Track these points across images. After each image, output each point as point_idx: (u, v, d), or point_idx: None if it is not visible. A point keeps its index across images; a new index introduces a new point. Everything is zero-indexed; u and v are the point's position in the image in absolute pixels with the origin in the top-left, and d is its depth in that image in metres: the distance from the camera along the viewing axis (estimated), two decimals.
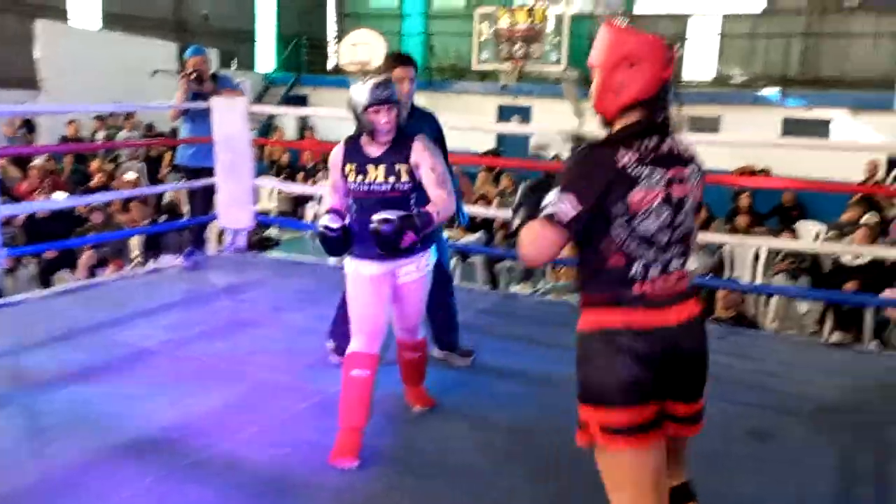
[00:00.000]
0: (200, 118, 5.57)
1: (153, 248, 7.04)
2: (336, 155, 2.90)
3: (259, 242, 7.46)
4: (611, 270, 1.78)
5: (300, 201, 10.03)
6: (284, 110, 14.41)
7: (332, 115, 14.17)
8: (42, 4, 14.08)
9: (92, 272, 6.63)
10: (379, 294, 2.82)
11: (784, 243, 6.62)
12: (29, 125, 12.05)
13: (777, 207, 10.14)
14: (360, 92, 2.77)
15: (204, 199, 5.74)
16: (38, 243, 6.16)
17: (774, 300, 6.32)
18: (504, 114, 15.12)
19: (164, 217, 7.67)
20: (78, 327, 4.10)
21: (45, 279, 6.73)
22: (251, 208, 5.79)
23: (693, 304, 1.86)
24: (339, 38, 17.36)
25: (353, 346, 2.82)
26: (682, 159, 1.82)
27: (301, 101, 17.02)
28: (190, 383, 3.41)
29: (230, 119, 5.55)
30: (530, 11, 13.36)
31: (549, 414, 3.13)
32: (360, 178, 2.79)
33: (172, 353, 3.78)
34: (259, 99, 16.47)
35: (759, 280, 6.89)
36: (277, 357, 3.74)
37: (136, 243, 7.02)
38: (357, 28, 14.98)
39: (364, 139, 2.82)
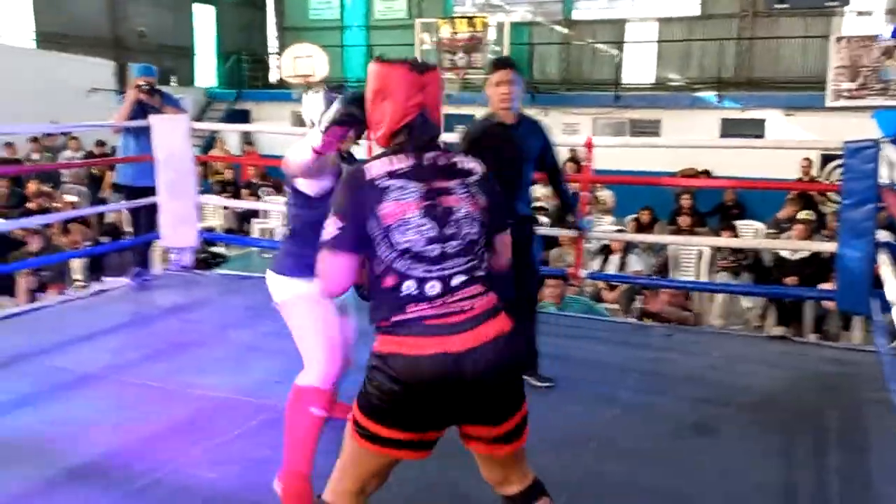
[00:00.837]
0: (143, 136, 5.50)
1: (96, 270, 6.90)
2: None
3: (205, 260, 7.36)
4: (386, 292, 1.78)
5: (246, 217, 9.95)
6: (227, 127, 14.28)
7: (274, 131, 14.15)
8: None
9: (32, 297, 6.46)
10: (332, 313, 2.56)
11: (726, 242, 6.80)
12: None
13: (718, 207, 10.41)
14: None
15: (148, 218, 5.66)
16: None
17: (719, 297, 6.49)
18: (448, 123, 15.17)
19: (106, 238, 7.52)
20: (18, 354, 3.99)
21: None
22: (196, 226, 5.72)
23: (498, 323, 1.82)
24: (280, 51, 17.24)
25: (314, 377, 2.51)
26: (450, 172, 1.84)
27: (244, 115, 16.83)
28: (134, 407, 3.35)
29: (172, 137, 5.48)
30: (471, 21, 13.49)
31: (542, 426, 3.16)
32: None
33: (116, 376, 3.71)
34: (201, 114, 16.24)
35: (703, 278, 7.07)
36: (224, 376, 3.70)
37: (77, 266, 6.86)
38: (298, 41, 14.93)
39: None
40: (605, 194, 9.93)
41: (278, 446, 2.78)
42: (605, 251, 7.20)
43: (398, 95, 1.82)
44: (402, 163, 1.81)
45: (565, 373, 3.74)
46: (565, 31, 17.07)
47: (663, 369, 3.98)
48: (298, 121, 16.09)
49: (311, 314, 2.51)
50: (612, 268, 6.97)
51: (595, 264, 6.98)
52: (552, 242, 7.48)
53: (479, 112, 14.31)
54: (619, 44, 16.24)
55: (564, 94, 15.80)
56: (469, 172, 1.87)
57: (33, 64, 13.40)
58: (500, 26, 13.60)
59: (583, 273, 5.05)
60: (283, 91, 15.53)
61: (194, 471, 2.78)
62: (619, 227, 8.26)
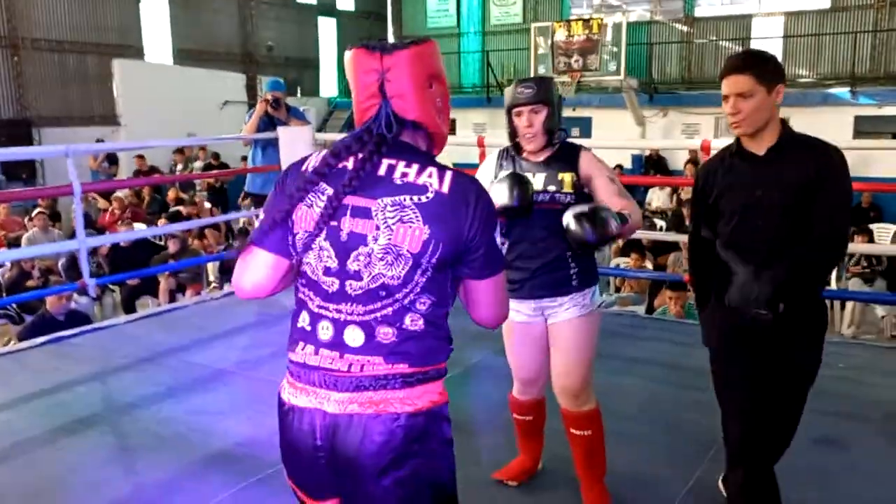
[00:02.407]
0: (270, 147, 5.84)
1: (227, 273, 7.34)
2: (485, 167, 2.61)
3: None
4: (293, 315, 1.48)
5: None
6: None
7: None
8: (120, 44, 14.81)
9: (172, 297, 6.95)
10: (529, 343, 2.57)
11: (866, 248, 6.43)
12: (111, 158, 12.69)
13: (853, 209, 9.85)
14: (507, 92, 2.49)
15: None
16: (121, 272, 6.50)
17: (850, 305, 6.16)
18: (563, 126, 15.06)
19: (237, 243, 7.98)
20: (160, 350, 4.33)
21: (128, 305, 7.08)
22: None
23: (377, 403, 1.38)
24: None
25: (514, 390, 2.72)
26: (386, 186, 1.37)
27: None
28: (263, 401, 3.55)
29: (297, 147, 5.77)
30: (587, 22, 13.36)
31: (611, 425, 3.16)
32: None
33: (247, 372, 3.96)
34: (324, 124, 16.92)
35: (832, 285, 6.72)
36: None
37: (212, 269, 7.32)
38: None
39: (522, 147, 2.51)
40: None
41: None
42: None
43: (355, 86, 1.45)
44: (335, 157, 1.42)
45: (683, 381, 3.68)
46: (686, 28, 16.59)
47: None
48: None
49: (504, 337, 2.63)
50: None
51: None
52: (670, 247, 7.32)
53: (595, 114, 14.09)
54: (743, 40, 15.62)
55: (684, 94, 15.36)
56: (421, 189, 1.36)
57: (172, 79, 14.37)
58: (616, 27, 13.39)
59: None
60: None
61: None
62: None
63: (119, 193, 9.65)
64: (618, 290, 6.82)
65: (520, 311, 2.50)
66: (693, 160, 11.20)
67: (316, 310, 1.42)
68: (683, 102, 14.64)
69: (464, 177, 1.40)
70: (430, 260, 1.36)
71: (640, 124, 14.11)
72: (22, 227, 8.84)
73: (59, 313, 5.53)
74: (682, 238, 6.45)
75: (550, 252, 2.45)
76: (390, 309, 1.38)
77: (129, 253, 7.39)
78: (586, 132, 14.56)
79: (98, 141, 10.96)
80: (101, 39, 14.49)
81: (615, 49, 13.24)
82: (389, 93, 1.41)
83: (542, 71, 13.75)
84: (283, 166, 6.03)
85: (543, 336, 2.55)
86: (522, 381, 2.67)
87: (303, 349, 1.43)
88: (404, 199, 1.36)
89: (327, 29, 20.01)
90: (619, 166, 12.86)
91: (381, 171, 1.39)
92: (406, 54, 1.41)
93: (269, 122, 5.88)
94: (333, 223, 1.38)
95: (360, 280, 1.37)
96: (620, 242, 7.80)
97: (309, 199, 1.40)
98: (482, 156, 5.15)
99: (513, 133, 2.49)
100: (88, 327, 4.94)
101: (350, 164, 1.40)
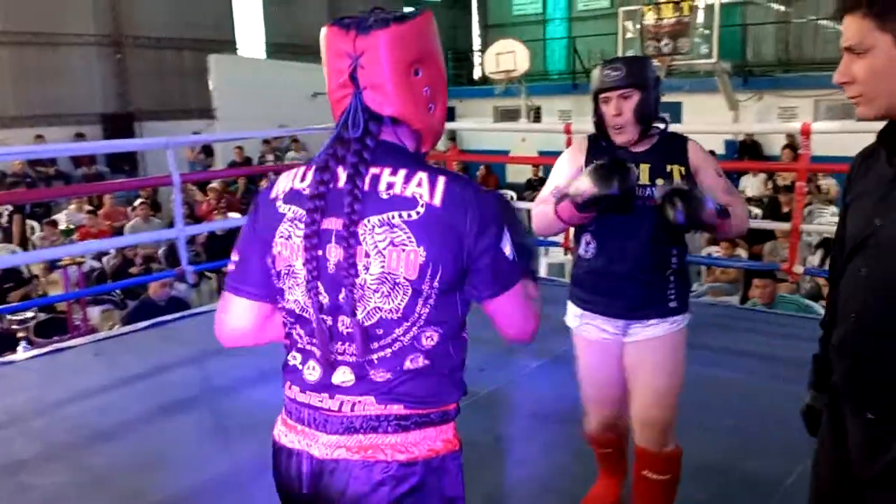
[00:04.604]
0: None
1: None
2: (573, 152, 2.22)
3: None
4: (285, 348, 1.33)
5: None
6: None
7: (477, 128, 14.49)
8: (214, 38, 15.35)
9: None
10: (607, 371, 2.20)
11: None
12: (207, 149, 13.19)
13: None
14: (593, 75, 2.15)
15: None
16: (217, 259, 6.75)
17: None
18: None
19: None
20: None
21: None
22: None
23: (372, 449, 1.21)
24: (483, 48, 17.61)
25: (587, 426, 2.37)
26: (372, 203, 1.15)
27: (449, 112, 17.37)
28: None
29: None
30: (677, 5, 12.97)
31: (705, 417, 3.09)
32: None
33: None
34: None
35: None
36: None
37: None
38: (501, 38, 15.17)
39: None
40: (828, 183, 9.18)
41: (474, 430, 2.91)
42: (827, 245, 6.67)
43: (327, 72, 1.22)
44: (307, 174, 1.22)
45: (780, 373, 3.56)
46: (783, 8, 15.89)
47: None
48: (500, 116, 16.45)
49: (579, 355, 2.28)
50: None
51: (815, 259, 6.50)
52: (766, 235, 7.06)
53: (685, 99, 13.69)
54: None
55: (781, 77, 14.72)
56: (410, 203, 1.15)
57: (264, 72, 14.80)
58: (709, 8, 12.94)
59: (798, 269, 4.74)
60: (486, 87, 15.85)
61: None
62: None
63: (214, 184, 10.02)
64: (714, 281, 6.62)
65: (601, 327, 2.16)
66: (791, 145, 10.75)
67: (307, 347, 1.25)
68: (780, 85, 14.03)
69: (459, 182, 1.18)
70: (431, 286, 1.15)
71: (734, 108, 13.61)
72: (125, 217, 9.30)
73: (161, 299, 5.79)
74: (778, 226, 6.22)
75: (649, 261, 2.08)
76: (389, 350, 1.19)
77: (225, 241, 7.66)
78: (676, 118, 14.18)
79: (195, 133, 11.42)
80: (197, 35, 15.05)
81: (707, 31, 12.80)
82: (362, 82, 1.17)
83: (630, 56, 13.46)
84: None
85: (621, 355, 2.18)
86: (604, 407, 2.27)
87: (289, 388, 1.29)
88: (392, 217, 1.14)
89: None
90: (712, 152, 12.46)
91: (366, 183, 1.16)
92: (383, 36, 1.15)
93: None
94: (318, 252, 1.17)
95: (353, 316, 1.17)
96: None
97: (284, 230, 1.20)
98: (569, 142, 5.08)
99: (599, 122, 2.13)
100: (187, 312, 5.16)
101: (342, 180, 1.17)
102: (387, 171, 1.17)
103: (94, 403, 3.57)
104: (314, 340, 1.22)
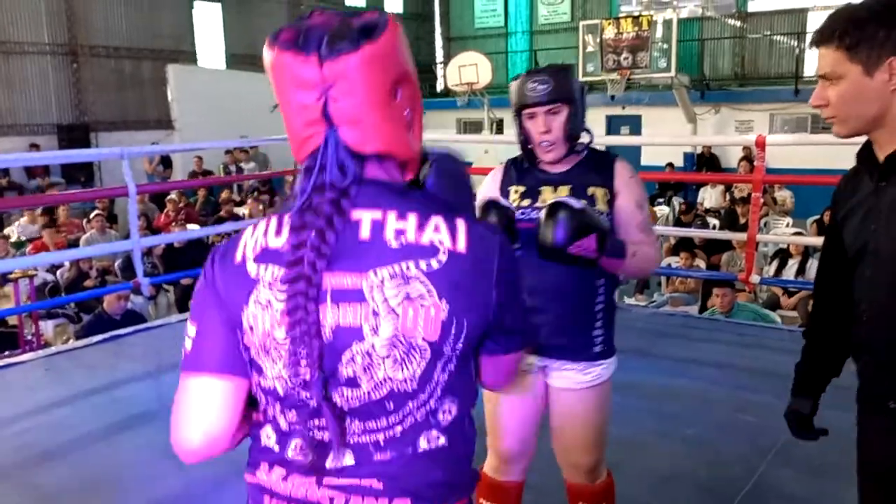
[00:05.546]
0: None
1: None
2: (493, 178, 2.04)
3: None
4: (253, 427, 1.09)
5: None
6: None
7: (440, 139, 14.53)
8: (174, 49, 15.16)
9: None
10: (520, 405, 1.99)
11: None
12: (165, 161, 12.98)
13: None
14: (512, 87, 1.94)
15: None
16: (175, 272, 6.63)
17: None
18: (613, 125, 14.95)
19: None
20: None
21: (182, 305, 7.22)
22: None
23: None
24: (446, 61, 17.70)
25: (486, 466, 2.10)
26: (376, 253, 0.97)
27: None
28: None
29: None
30: (636, 20, 13.19)
31: (666, 427, 3.10)
32: (524, 202, 1.93)
33: None
34: None
35: None
36: None
37: None
38: (464, 50, 15.26)
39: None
40: (784, 195, 9.39)
41: None
42: (783, 255, 6.80)
43: (286, 106, 1.01)
44: (282, 235, 1.00)
45: (738, 382, 3.60)
46: (738, 24, 16.26)
47: (842, 381, 3.71)
48: (463, 128, 16.51)
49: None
50: (790, 273, 6.56)
51: (771, 269, 6.61)
52: (724, 246, 7.18)
53: (645, 112, 13.95)
54: (799, 35, 15.24)
55: (737, 90, 15.05)
56: (429, 252, 0.97)
57: (224, 82, 14.64)
58: (667, 23, 13.19)
59: (755, 278, 4.81)
60: (448, 99, 15.92)
61: None
62: (797, 230, 7.78)
63: (173, 195, 9.87)
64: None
65: None
66: (748, 157, 10.97)
67: (287, 427, 1.02)
68: (736, 99, 14.35)
69: (481, 226, 1.03)
70: (454, 347, 0.98)
71: (692, 121, 13.86)
72: (80, 230, 9.10)
73: (116, 313, 5.66)
74: (736, 236, 6.34)
75: (571, 294, 1.89)
76: (399, 427, 0.99)
77: (183, 253, 7.53)
78: (636, 130, 14.38)
79: (153, 144, 11.24)
80: (155, 45, 14.87)
81: (665, 46, 13.04)
82: (337, 118, 0.96)
83: (590, 69, 13.64)
84: None
85: (542, 397, 2.00)
86: (507, 453, 2.03)
87: (268, 472, 1.05)
88: (407, 268, 0.96)
89: None
90: (671, 164, 12.66)
91: (364, 230, 0.97)
92: (359, 59, 0.94)
93: None
94: (296, 316, 0.97)
95: (356, 388, 0.97)
96: (672, 240, 7.68)
97: (262, 297, 0.99)
98: None
99: (525, 140, 1.93)
100: (143, 326, 5.05)
101: (296, 229, 0.98)
102: (391, 214, 0.98)
103: (43, 420, 3.46)
104: (304, 419, 1.00)
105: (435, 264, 0.96)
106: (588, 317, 1.91)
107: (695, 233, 7.42)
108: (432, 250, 0.97)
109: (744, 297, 5.50)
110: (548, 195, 1.89)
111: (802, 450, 2.95)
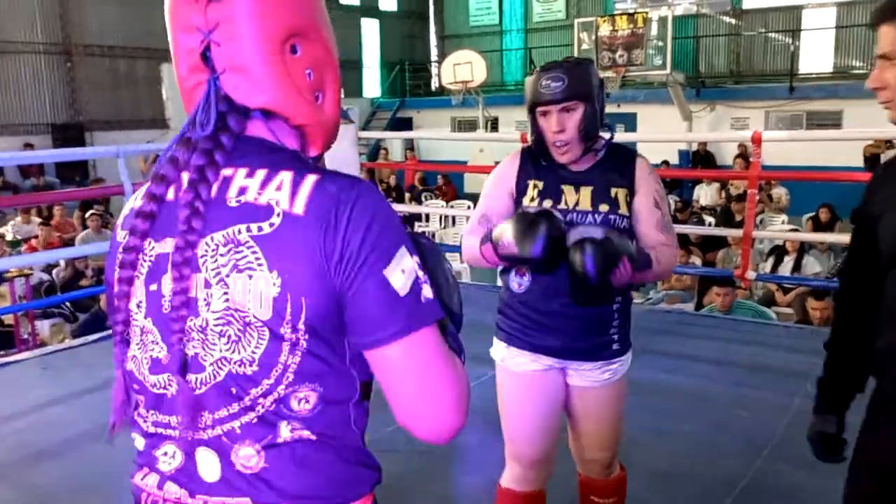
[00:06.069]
0: None
1: None
2: (509, 165, 1.92)
3: None
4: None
5: (409, 221, 10.34)
6: (390, 135, 14.91)
7: (435, 137, 14.56)
8: (168, 49, 15.07)
9: None
10: (542, 403, 1.93)
11: None
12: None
13: None
14: (527, 84, 1.84)
15: None
16: None
17: None
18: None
19: None
20: None
21: None
22: None
23: None
24: (441, 59, 17.69)
25: (505, 478, 2.02)
26: (213, 214, 0.85)
27: (406, 123, 17.49)
28: None
29: (341, 146, 5.81)
30: (631, 17, 13.20)
31: (663, 423, 3.11)
32: (546, 203, 1.83)
33: None
34: (367, 123, 17.04)
35: None
36: None
37: None
38: (458, 48, 15.26)
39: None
40: (779, 192, 9.42)
41: None
42: (779, 252, 6.81)
43: (174, 53, 0.95)
44: (164, 185, 0.91)
45: (734, 379, 3.60)
46: (733, 21, 16.28)
47: None
48: (458, 126, 16.50)
49: (504, 392, 2.00)
50: (786, 270, 6.58)
51: (766, 266, 6.63)
52: (720, 243, 7.19)
53: (640, 110, 14.00)
54: (793, 32, 15.26)
55: (732, 88, 15.07)
56: (263, 213, 0.84)
57: None
58: (662, 21, 13.20)
59: (751, 275, 4.83)
60: (443, 98, 15.92)
61: None
62: (793, 227, 7.80)
63: None
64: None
65: (533, 360, 1.90)
66: (743, 155, 10.98)
67: (152, 428, 0.91)
68: (732, 96, 14.37)
69: (337, 181, 0.86)
70: (294, 326, 0.82)
71: (687, 119, 13.88)
72: (75, 229, 9.08)
73: None
74: (731, 233, 6.34)
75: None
76: (252, 414, 0.85)
77: None
78: (631, 128, 14.39)
79: (148, 143, 11.20)
80: (150, 44, 14.81)
81: (661, 43, 13.05)
82: (218, 64, 0.88)
83: None
84: (328, 164, 6.07)
85: (561, 398, 1.95)
86: (526, 461, 1.95)
87: (143, 478, 0.94)
88: (238, 232, 0.83)
89: (370, 30, 20.12)
90: (666, 162, 12.68)
91: (213, 189, 0.86)
92: (243, 0, 0.86)
93: None
94: (153, 287, 0.87)
95: (201, 371, 0.85)
96: None
97: (123, 261, 0.89)
98: None
99: (539, 138, 1.84)
100: None
101: (158, 188, 0.89)
102: (242, 172, 0.86)
103: (39, 419, 3.45)
104: (162, 417, 0.89)
105: (267, 228, 0.82)
106: (606, 318, 1.88)
107: (690, 230, 7.43)
108: (267, 211, 0.83)
109: (740, 294, 5.51)
110: (570, 196, 1.82)
111: (799, 445, 2.97)
